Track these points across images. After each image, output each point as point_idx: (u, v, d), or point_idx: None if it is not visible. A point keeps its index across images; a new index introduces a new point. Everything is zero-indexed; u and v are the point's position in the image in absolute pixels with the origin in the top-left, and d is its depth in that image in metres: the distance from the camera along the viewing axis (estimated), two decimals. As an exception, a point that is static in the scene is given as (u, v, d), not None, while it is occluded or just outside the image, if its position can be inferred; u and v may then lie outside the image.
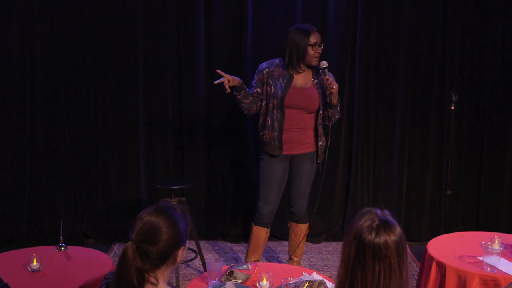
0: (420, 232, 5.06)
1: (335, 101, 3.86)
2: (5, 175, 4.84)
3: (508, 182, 5.00)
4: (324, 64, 3.87)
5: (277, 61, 3.94)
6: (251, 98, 3.90)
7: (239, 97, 3.87)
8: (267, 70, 3.90)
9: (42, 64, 4.79)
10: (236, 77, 3.84)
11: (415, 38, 4.89)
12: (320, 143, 4.00)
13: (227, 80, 3.79)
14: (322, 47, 3.88)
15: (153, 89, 4.92)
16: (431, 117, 4.97)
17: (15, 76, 4.78)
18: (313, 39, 3.84)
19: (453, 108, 4.29)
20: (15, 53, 4.77)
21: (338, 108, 3.95)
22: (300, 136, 3.94)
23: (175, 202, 3.97)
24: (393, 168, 5.02)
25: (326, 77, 3.85)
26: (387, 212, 1.92)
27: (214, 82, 3.87)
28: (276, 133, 3.90)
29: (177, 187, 4.13)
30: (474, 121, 4.97)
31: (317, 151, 4.01)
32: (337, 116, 3.98)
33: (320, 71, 3.91)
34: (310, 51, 3.84)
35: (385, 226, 1.86)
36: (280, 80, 3.87)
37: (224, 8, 4.82)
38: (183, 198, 4.20)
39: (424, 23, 4.87)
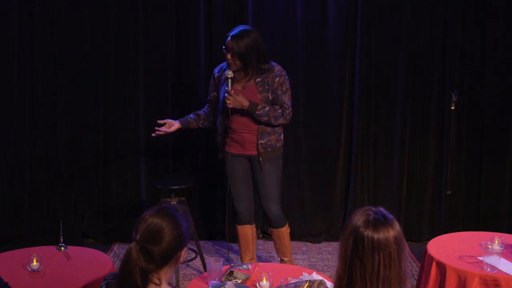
0: (420, 232, 5.06)
1: (244, 107, 3.76)
2: (5, 175, 4.84)
3: (508, 182, 5.00)
4: (229, 74, 3.79)
5: (225, 65, 3.94)
6: (203, 117, 4.02)
7: (195, 127, 4.06)
8: (217, 75, 3.96)
9: (42, 65, 4.79)
10: (171, 121, 3.93)
11: (415, 38, 4.88)
12: (262, 141, 3.87)
13: (167, 128, 3.92)
14: (232, 56, 3.75)
15: (153, 88, 4.92)
16: (431, 117, 4.97)
17: (15, 77, 4.78)
18: (227, 43, 3.77)
19: (453, 108, 4.29)
20: (15, 55, 4.76)
21: (259, 112, 3.77)
22: (251, 137, 3.89)
23: (175, 202, 3.98)
24: (393, 168, 5.02)
25: (227, 88, 3.78)
26: (381, 208, 1.93)
27: (152, 134, 3.96)
28: (219, 136, 3.96)
29: (177, 187, 4.13)
30: (474, 121, 4.97)
31: (258, 150, 3.88)
32: (265, 119, 3.81)
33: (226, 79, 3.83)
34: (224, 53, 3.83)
35: (382, 220, 1.87)
36: (224, 84, 3.87)
37: (224, 8, 4.82)
38: (183, 198, 4.20)
39: (424, 23, 4.87)
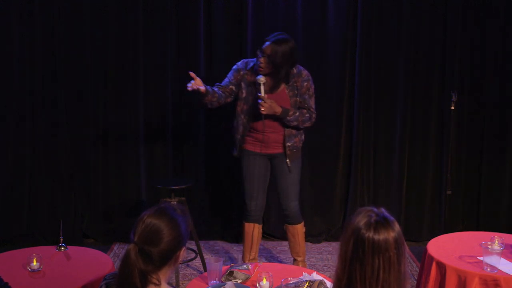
0: (420, 232, 5.06)
1: (277, 113, 3.80)
2: (6, 175, 4.84)
3: (508, 182, 5.00)
4: (262, 80, 3.79)
5: (251, 63, 3.94)
6: (217, 96, 3.89)
7: (206, 101, 3.87)
8: (242, 72, 3.93)
9: (42, 65, 4.79)
10: (200, 82, 3.78)
11: (415, 38, 4.89)
12: (289, 144, 3.95)
13: (197, 84, 3.77)
14: (267, 62, 3.77)
15: (153, 89, 4.92)
16: (431, 117, 4.97)
17: (15, 77, 4.78)
18: (265, 47, 3.78)
19: (453, 108, 4.29)
20: (15, 55, 4.76)
21: (289, 118, 3.84)
22: (276, 136, 3.94)
23: (175, 202, 3.98)
24: (393, 168, 5.02)
25: (259, 94, 3.78)
26: (383, 209, 1.93)
27: (188, 88, 3.76)
28: (239, 136, 3.97)
29: (177, 187, 4.13)
30: (474, 121, 4.97)
31: (285, 152, 3.96)
32: (294, 123, 3.89)
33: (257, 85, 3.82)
34: (257, 55, 3.82)
35: (383, 222, 1.87)
36: (252, 85, 3.88)
37: (224, 8, 4.82)
38: (183, 198, 4.20)
39: (424, 23, 4.87)
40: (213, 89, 3.91)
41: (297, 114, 3.88)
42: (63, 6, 4.75)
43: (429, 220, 5.08)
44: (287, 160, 3.97)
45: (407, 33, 4.86)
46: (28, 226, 4.90)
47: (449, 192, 4.37)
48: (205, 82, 4.86)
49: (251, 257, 4.11)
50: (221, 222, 5.07)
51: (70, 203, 4.94)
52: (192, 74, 3.78)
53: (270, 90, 3.87)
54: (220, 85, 3.98)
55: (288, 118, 3.86)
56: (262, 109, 3.76)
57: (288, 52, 3.78)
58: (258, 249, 4.18)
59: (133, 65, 4.86)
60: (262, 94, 3.78)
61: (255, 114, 3.88)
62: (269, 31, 4.78)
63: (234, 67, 3.98)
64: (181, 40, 4.87)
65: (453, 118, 4.54)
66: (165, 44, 4.85)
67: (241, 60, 4.00)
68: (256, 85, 3.83)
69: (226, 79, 3.98)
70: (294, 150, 3.99)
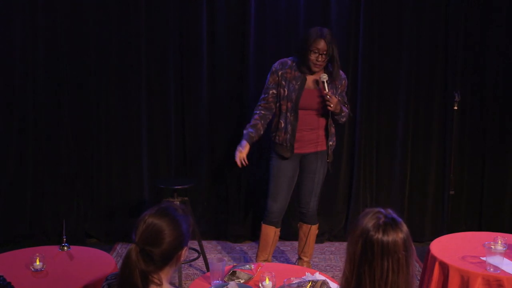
0: (423, 232, 5.06)
1: (336, 111, 3.85)
2: (8, 174, 4.84)
3: (511, 182, 4.99)
4: (324, 77, 3.81)
5: (289, 61, 3.92)
6: (261, 127, 3.92)
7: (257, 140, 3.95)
8: (280, 72, 3.90)
9: (44, 64, 4.79)
10: (242, 148, 3.85)
11: (418, 38, 4.88)
12: (331, 143, 3.98)
13: (243, 157, 3.85)
14: (326, 57, 3.79)
15: (156, 89, 4.92)
16: (433, 117, 4.97)
17: (18, 76, 4.79)
18: (317, 45, 3.76)
19: (456, 108, 4.28)
20: (17, 55, 4.77)
21: (343, 113, 3.93)
22: (311, 135, 3.94)
23: (178, 202, 3.97)
24: (395, 168, 5.01)
25: (325, 92, 3.80)
26: (391, 211, 1.92)
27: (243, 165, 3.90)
28: (288, 135, 3.91)
29: (179, 187, 4.13)
30: (476, 121, 4.97)
31: (327, 151, 4.00)
32: (343, 120, 3.98)
33: (320, 83, 3.85)
34: (310, 56, 3.79)
35: (392, 224, 1.86)
36: (294, 82, 3.86)
37: (226, 8, 4.82)
38: (186, 198, 4.20)
39: (426, 22, 4.87)
40: (252, 128, 3.89)
41: (345, 109, 3.95)
42: (65, 6, 4.75)
43: (431, 220, 5.07)
44: (328, 161, 4.01)
45: (409, 32, 4.86)
46: (31, 226, 4.91)
47: (452, 192, 4.36)
48: (208, 81, 4.89)
49: (263, 259, 4.09)
50: (224, 221, 5.07)
51: (73, 203, 4.94)
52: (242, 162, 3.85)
53: (314, 86, 3.89)
54: (264, 97, 3.94)
55: (342, 114, 3.91)
56: (331, 105, 3.78)
57: (334, 40, 3.83)
58: (272, 252, 4.16)
59: (136, 65, 4.85)
60: (327, 91, 3.80)
61: (297, 110, 3.87)
62: (271, 31, 4.82)
63: (271, 69, 3.95)
64: (184, 39, 4.87)
65: (456, 118, 4.54)
66: (168, 43, 4.85)
67: (277, 62, 3.97)
68: (320, 83, 3.84)
69: (265, 87, 3.97)
70: (332, 150, 4.03)
